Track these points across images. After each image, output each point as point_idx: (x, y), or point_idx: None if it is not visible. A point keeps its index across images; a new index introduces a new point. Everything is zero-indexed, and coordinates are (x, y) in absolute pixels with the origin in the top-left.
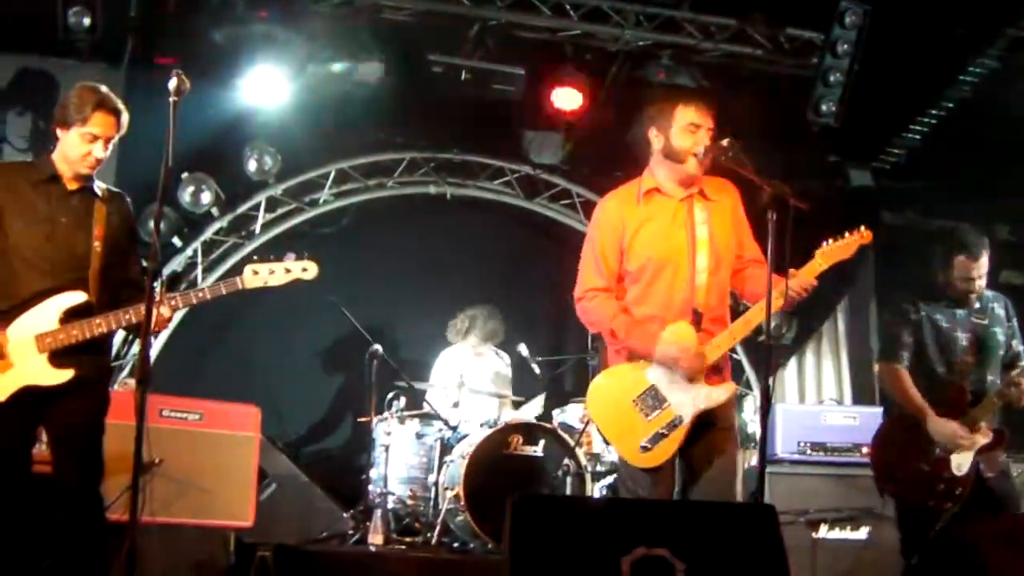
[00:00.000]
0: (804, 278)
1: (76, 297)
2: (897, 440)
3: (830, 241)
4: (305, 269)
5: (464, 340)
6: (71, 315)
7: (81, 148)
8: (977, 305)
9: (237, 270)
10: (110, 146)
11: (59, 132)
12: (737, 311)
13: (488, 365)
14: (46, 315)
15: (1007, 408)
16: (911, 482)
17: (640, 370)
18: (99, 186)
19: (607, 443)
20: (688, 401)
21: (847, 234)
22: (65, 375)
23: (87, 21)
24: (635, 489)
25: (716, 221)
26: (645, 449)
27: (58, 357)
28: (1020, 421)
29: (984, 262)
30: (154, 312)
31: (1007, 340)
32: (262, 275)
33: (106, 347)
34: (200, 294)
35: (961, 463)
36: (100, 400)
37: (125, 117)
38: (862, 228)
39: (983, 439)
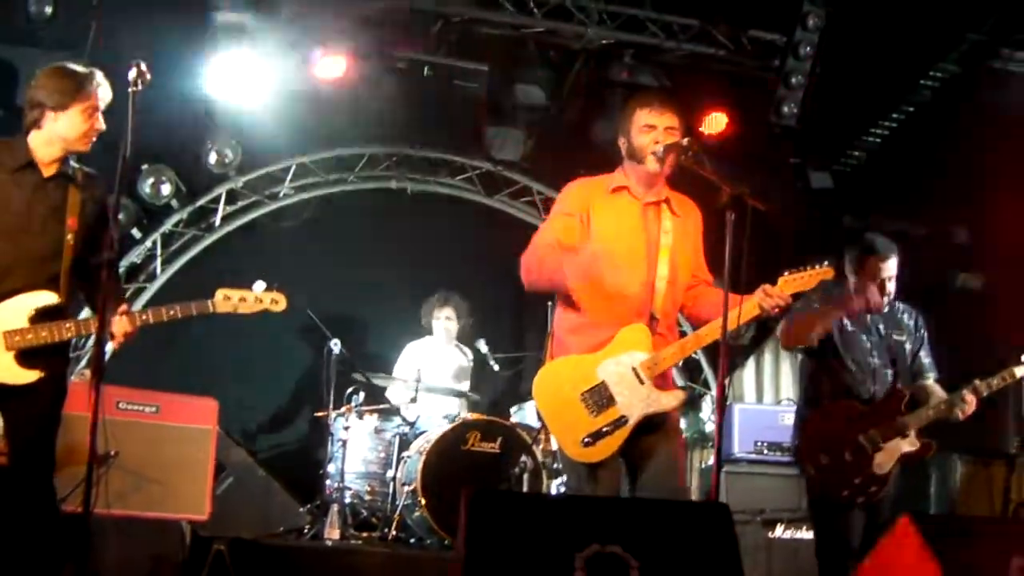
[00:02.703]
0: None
1: (48, 298)
2: (824, 427)
3: (793, 270)
4: (275, 301)
5: (442, 309)
6: (41, 316)
7: (84, 124)
8: (886, 311)
9: (196, 262)
10: None
11: (52, 115)
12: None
13: (451, 360)
14: (16, 313)
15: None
16: (830, 469)
17: (591, 365)
18: (74, 168)
19: (547, 431)
20: (636, 403)
21: (808, 268)
22: (31, 376)
23: (49, 10)
24: (576, 482)
25: (678, 236)
26: (586, 444)
27: (25, 357)
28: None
29: (893, 264)
30: (120, 327)
31: (914, 349)
32: (233, 301)
33: (69, 345)
34: (171, 312)
35: (883, 462)
36: (58, 394)
37: (108, 88)
38: (825, 263)
39: (912, 446)
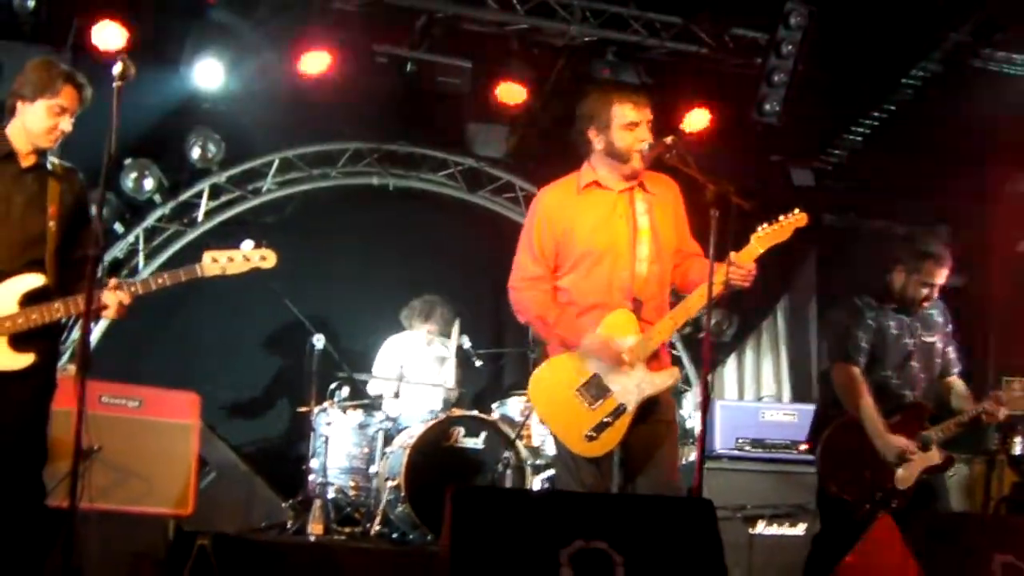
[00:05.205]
0: (742, 262)
1: (35, 280)
2: (845, 442)
3: (765, 225)
4: (264, 258)
5: (424, 324)
6: (30, 299)
7: (48, 121)
8: (920, 312)
9: (179, 258)
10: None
11: (20, 105)
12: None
13: (434, 355)
14: (5, 299)
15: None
16: (850, 484)
17: (581, 360)
18: (52, 162)
19: (553, 435)
20: (632, 388)
21: (782, 217)
22: (26, 360)
23: (31, 3)
24: (580, 479)
25: (657, 213)
26: (591, 438)
27: (17, 341)
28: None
29: (946, 273)
30: (114, 299)
31: (943, 347)
32: (220, 263)
33: (58, 332)
34: (160, 280)
35: (906, 477)
36: (48, 385)
37: (88, 92)
38: (796, 210)
39: (933, 460)
